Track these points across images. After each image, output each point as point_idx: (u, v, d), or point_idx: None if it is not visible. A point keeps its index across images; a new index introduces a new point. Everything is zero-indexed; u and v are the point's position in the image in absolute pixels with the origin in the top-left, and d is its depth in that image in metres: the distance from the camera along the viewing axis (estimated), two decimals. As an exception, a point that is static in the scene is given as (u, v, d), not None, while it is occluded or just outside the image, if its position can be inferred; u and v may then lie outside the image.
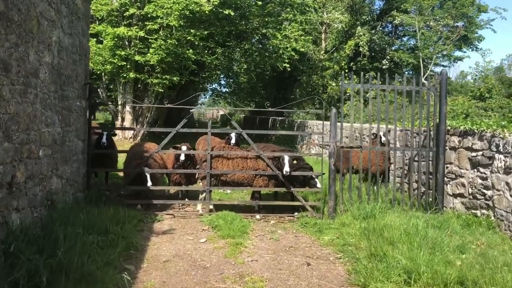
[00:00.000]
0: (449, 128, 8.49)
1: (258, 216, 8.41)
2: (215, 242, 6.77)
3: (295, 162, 8.38)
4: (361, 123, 8.57)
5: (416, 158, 9.00)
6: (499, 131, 7.21)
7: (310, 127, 19.65)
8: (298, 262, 6.01)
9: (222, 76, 30.32)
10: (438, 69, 25.71)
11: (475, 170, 7.75)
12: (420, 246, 5.94)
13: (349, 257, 6.10)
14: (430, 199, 8.58)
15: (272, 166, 8.31)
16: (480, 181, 7.62)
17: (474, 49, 27.15)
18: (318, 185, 8.54)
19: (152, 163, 8.73)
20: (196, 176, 8.76)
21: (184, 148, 8.78)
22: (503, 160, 7.05)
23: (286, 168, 8.01)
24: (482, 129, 7.58)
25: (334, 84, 21.67)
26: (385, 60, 24.02)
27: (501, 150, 7.12)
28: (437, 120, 8.53)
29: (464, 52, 27.30)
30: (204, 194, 8.49)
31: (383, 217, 7.60)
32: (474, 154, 7.79)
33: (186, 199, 9.22)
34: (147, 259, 5.95)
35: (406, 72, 25.45)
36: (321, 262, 6.03)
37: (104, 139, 9.16)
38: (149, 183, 8.19)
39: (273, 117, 31.01)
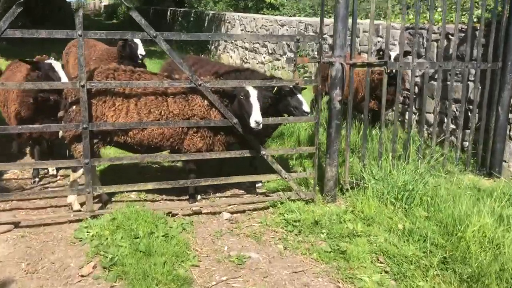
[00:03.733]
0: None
1: (196, 207, 4.30)
2: None
3: (268, 101, 4.13)
4: (388, 18, 4.44)
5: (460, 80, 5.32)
6: None
7: (230, 22, 14.55)
8: None
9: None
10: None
11: None
12: None
13: None
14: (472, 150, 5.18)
15: (223, 108, 4.03)
16: None
17: None
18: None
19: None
20: (60, 134, 4.17)
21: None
22: None
23: (257, 117, 3.78)
24: None
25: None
26: None
27: None
28: (506, 11, 4.76)
29: None
30: (79, 173, 4.03)
31: (437, 197, 4.07)
32: None
33: (50, 171, 4.75)
34: None
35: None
36: None
37: None
38: None
39: (172, 8, 25.11)
